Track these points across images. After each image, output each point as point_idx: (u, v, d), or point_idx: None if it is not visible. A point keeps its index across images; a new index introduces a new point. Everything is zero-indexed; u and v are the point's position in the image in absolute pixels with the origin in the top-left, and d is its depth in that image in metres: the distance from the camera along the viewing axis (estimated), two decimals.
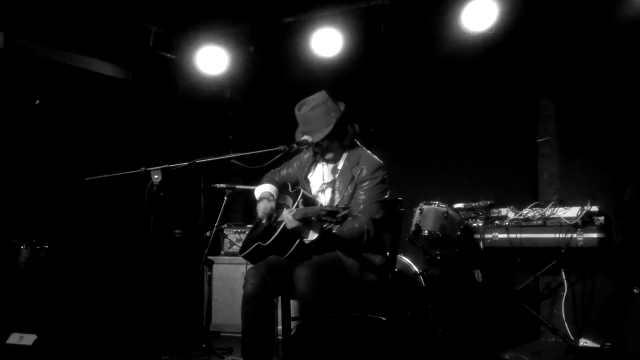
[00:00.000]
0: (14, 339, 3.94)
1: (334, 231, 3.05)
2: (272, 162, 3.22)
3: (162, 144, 5.53)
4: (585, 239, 4.42)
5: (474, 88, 5.33)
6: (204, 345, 4.45)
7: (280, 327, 3.65)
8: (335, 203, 3.23)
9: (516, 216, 4.68)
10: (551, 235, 4.50)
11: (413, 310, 4.26)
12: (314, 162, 3.46)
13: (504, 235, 4.64)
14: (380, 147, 3.63)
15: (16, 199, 4.61)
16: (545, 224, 4.55)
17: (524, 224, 4.62)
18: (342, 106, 3.33)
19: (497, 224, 4.72)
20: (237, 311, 3.27)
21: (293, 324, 3.48)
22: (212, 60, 5.67)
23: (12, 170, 4.70)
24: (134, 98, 5.60)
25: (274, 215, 3.34)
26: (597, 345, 3.88)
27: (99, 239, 5.14)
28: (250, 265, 3.32)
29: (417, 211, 4.57)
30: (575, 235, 4.43)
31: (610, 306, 4.33)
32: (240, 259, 3.85)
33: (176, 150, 5.29)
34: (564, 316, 4.69)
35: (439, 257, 4.65)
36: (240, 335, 3.22)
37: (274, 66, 5.96)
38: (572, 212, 4.50)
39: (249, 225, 5.34)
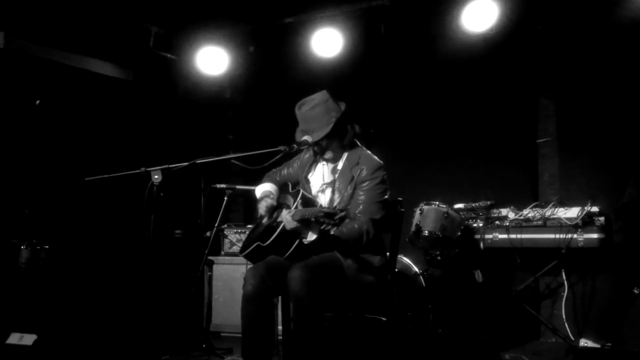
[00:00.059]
0: (14, 339, 3.94)
1: (333, 232, 3.04)
2: (272, 162, 3.23)
3: (162, 144, 5.53)
4: (586, 239, 4.42)
5: (474, 88, 5.34)
6: (204, 346, 4.45)
7: (280, 327, 3.64)
8: (335, 203, 3.22)
9: (516, 216, 4.68)
10: (551, 236, 4.50)
11: (413, 311, 4.25)
12: (314, 162, 3.46)
13: (505, 236, 4.65)
14: (380, 147, 3.63)
15: (16, 199, 4.61)
16: (546, 224, 4.55)
17: (524, 224, 4.63)
18: (342, 106, 3.33)
19: (497, 224, 4.72)
20: (237, 311, 3.26)
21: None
22: (212, 60, 5.67)
23: (12, 170, 4.70)
24: (134, 98, 5.60)
25: (274, 214, 3.34)
26: (598, 346, 3.88)
27: (99, 239, 5.14)
28: (250, 265, 3.33)
29: (418, 211, 4.56)
30: (575, 236, 4.44)
31: (611, 306, 4.32)
32: (240, 259, 3.85)
33: (176, 151, 5.29)
34: (564, 316, 4.69)
35: (439, 258, 4.64)
36: (240, 335, 3.21)
37: (274, 66, 5.97)
38: (572, 212, 4.50)
39: (249, 226, 5.34)
